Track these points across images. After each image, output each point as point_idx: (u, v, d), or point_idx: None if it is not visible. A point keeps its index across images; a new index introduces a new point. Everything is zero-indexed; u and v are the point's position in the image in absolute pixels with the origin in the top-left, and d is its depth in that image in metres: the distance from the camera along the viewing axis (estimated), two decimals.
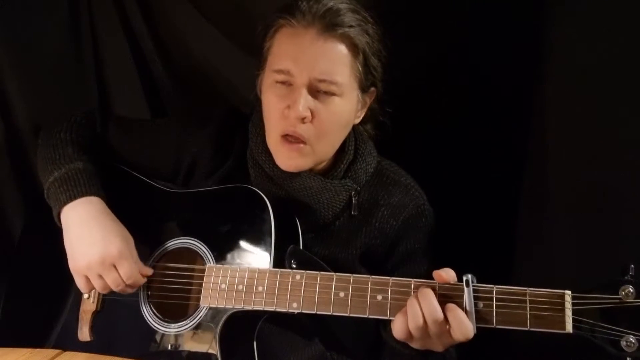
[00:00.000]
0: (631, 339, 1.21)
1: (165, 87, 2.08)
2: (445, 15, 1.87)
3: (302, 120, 1.49)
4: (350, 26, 1.49)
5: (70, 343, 1.61)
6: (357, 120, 1.62)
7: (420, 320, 1.32)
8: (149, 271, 1.57)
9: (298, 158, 1.54)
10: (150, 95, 2.07)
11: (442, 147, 1.89)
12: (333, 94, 1.49)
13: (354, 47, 1.49)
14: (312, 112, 1.49)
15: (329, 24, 1.47)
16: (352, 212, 1.62)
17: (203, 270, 1.53)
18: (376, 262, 1.64)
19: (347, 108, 1.53)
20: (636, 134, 1.60)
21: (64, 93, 2.02)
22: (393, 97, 1.66)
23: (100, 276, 1.52)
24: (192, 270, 1.56)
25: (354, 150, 1.65)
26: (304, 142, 1.51)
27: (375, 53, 1.54)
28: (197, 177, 1.69)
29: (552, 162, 1.74)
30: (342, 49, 1.49)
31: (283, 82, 1.51)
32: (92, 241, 1.52)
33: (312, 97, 1.49)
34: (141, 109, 2.05)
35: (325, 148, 1.56)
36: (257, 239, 1.51)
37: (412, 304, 1.34)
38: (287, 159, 1.54)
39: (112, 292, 1.56)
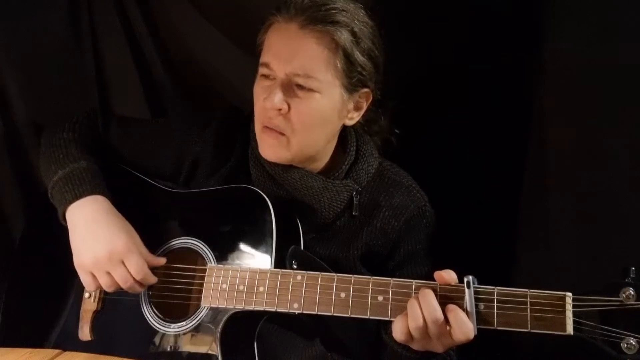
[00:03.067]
0: (631, 341, 1.22)
1: (165, 87, 2.08)
2: (445, 15, 1.87)
3: (278, 112, 1.50)
4: (332, 22, 1.49)
5: (70, 343, 1.61)
6: (350, 122, 1.62)
7: (420, 321, 1.32)
8: (161, 261, 1.57)
9: (277, 147, 1.55)
10: (150, 95, 2.06)
11: (442, 148, 1.89)
12: (311, 90, 1.50)
13: (333, 44, 1.49)
14: (288, 106, 1.50)
15: (309, 19, 1.49)
16: (354, 213, 1.63)
17: (204, 271, 1.53)
18: (377, 262, 1.64)
19: (325, 104, 1.53)
20: (636, 134, 1.60)
21: (64, 93, 2.02)
22: (393, 97, 1.67)
23: (108, 273, 1.52)
24: (193, 270, 1.56)
25: (356, 151, 1.66)
26: (281, 133, 1.53)
27: (364, 52, 1.53)
28: (198, 177, 1.69)
29: (552, 163, 1.75)
30: (320, 44, 1.49)
31: (267, 76, 1.53)
32: (98, 238, 1.51)
33: (290, 91, 1.50)
34: (141, 109, 2.04)
35: (302, 143, 1.55)
36: (258, 240, 1.51)
37: (412, 305, 1.34)
38: (267, 147, 1.56)
39: (117, 291, 1.56)
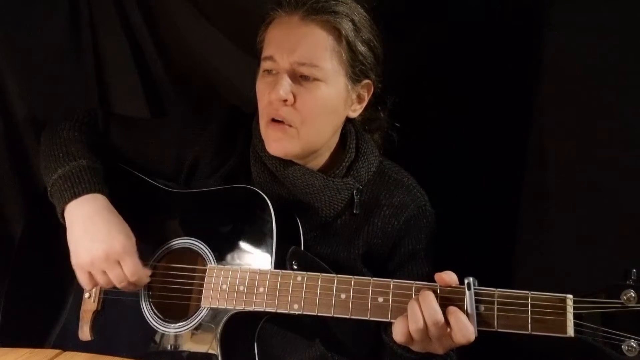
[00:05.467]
0: (632, 344, 1.21)
1: (165, 87, 2.08)
2: (445, 15, 1.87)
3: (284, 102, 1.50)
4: (333, 12, 1.50)
5: (70, 343, 1.61)
6: (354, 114, 1.62)
7: (421, 323, 1.32)
8: (147, 272, 1.57)
9: (284, 140, 1.54)
10: (150, 95, 2.07)
11: (442, 148, 1.89)
12: (315, 79, 1.50)
13: (336, 33, 1.50)
14: (294, 96, 1.50)
15: (310, 10, 1.50)
16: (354, 211, 1.63)
17: (204, 271, 1.52)
18: (378, 262, 1.64)
19: (331, 94, 1.53)
20: (636, 134, 1.60)
21: (64, 93, 2.01)
22: (392, 95, 1.67)
23: (104, 272, 1.52)
24: (193, 270, 1.56)
25: (356, 148, 1.66)
26: (289, 125, 1.53)
27: (364, 42, 1.54)
28: (198, 176, 1.70)
29: (552, 165, 1.75)
30: (323, 33, 1.50)
31: (270, 71, 1.54)
32: (96, 237, 1.51)
33: (296, 82, 1.51)
34: (141, 109, 2.05)
35: (310, 133, 1.55)
36: (259, 240, 1.51)
37: (412, 307, 1.34)
38: (273, 141, 1.56)
39: (114, 289, 1.56)
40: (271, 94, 1.51)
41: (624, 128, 1.62)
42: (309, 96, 1.51)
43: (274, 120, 1.54)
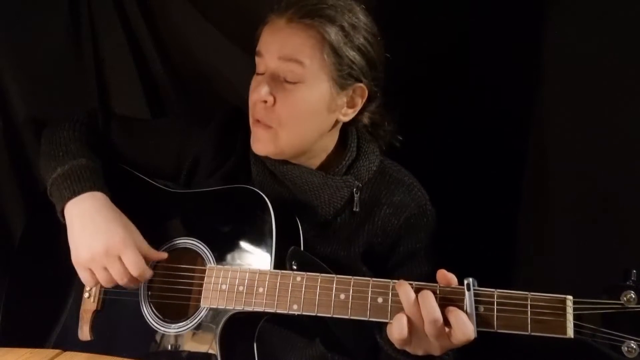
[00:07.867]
0: (632, 345, 1.21)
1: (165, 87, 2.08)
2: (445, 14, 1.87)
3: (264, 104, 1.52)
4: (319, 16, 1.50)
5: (70, 343, 1.61)
6: (345, 118, 1.61)
7: (419, 321, 1.32)
8: (163, 255, 1.57)
9: (265, 141, 1.56)
10: (150, 95, 2.06)
11: (442, 148, 1.89)
12: (297, 82, 1.51)
13: (319, 37, 1.50)
14: (274, 98, 1.52)
15: (296, 12, 1.51)
16: (355, 209, 1.63)
17: (204, 271, 1.53)
18: (377, 261, 1.64)
19: (312, 97, 1.53)
20: (637, 136, 1.60)
21: (64, 93, 2.01)
22: (394, 97, 1.67)
23: (105, 268, 1.52)
24: (193, 270, 1.56)
25: (357, 148, 1.66)
26: (270, 127, 1.55)
27: (354, 46, 1.53)
28: (198, 177, 1.70)
29: (553, 165, 1.75)
30: (307, 36, 1.51)
31: (261, 74, 1.55)
32: (95, 233, 1.51)
33: (278, 84, 1.52)
34: (141, 109, 2.04)
35: (290, 135, 1.56)
36: (258, 240, 1.51)
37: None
38: (255, 141, 1.58)
39: (117, 288, 1.56)
40: (253, 93, 1.54)
41: (625, 128, 1.62)
42: (288, 98, 1.52)
43: (257, 120, 1.56)
